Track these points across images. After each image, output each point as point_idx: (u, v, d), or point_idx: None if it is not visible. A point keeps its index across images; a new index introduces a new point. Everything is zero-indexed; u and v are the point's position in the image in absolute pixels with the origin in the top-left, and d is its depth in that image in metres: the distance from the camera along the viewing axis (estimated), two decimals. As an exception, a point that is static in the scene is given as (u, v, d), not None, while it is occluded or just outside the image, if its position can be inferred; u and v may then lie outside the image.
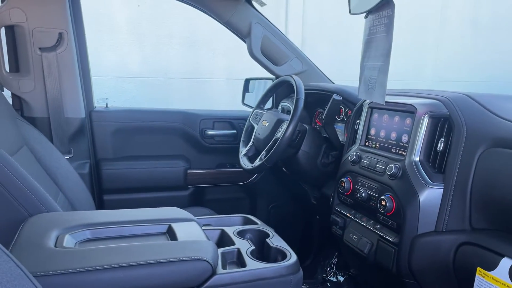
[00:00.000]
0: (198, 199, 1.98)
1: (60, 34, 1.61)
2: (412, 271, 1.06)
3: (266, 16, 1.85)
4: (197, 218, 1.17)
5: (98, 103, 1.88)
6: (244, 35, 1.82)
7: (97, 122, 1.79)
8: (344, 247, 1.35)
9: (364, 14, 1.20)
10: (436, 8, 5.77)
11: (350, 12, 1.28)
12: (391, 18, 1.08)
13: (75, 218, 1.03)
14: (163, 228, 1.05)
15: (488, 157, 0.94)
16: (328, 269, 1.95)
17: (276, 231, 2.11)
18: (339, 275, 1.90)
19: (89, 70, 1.76)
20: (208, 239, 0.99)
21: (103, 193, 1.82)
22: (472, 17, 5.90)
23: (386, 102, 1.20)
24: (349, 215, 1.32)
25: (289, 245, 2.11)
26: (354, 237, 1.26)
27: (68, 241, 0.92)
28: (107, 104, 1.86)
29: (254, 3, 1.79)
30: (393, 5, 1.06)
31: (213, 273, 0.87)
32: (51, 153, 1.46)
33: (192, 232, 1.02)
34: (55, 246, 0.88)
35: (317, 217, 1.93)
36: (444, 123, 1.06)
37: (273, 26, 1.85)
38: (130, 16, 4.64)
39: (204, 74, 5.07)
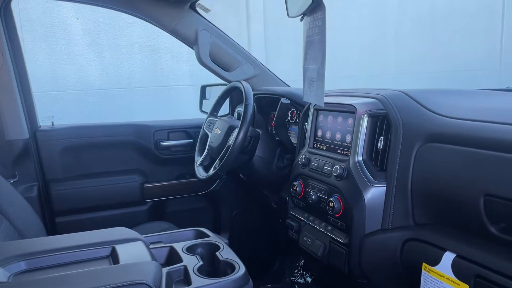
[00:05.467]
0: (157, 213, 1.93)
1: None
2: (363, 271, 1.07)
3: (214, 22, 1.83)
4: (147, 236, 1.13)
5: (43, 121, 1.80)
6: (191, 43, 1.79)
7: (43, 142, 1.71)
8: (302, 251, 1.35)
9: (300, 17, 1.20)
10: (393, 2, 5.91)
11: (288, 15, 1.28)
12: (323, 21, 1.07)
13: (10, 249, 0.97)
14: (106, 251, 1.01)
15: (424, 153, 0.95)
16: (296, 271, 1.94)
17: (242, 238, 2.09)
18: (307, 276, 1.89)
19: (30, 88, 1.68)
20: (154, 259, 0.96)
21: (55, 216, 1.75)
22: (429, 9, 6.06)
23: (328, 103, 1.20)
24: (302, 218, 1.31)
25: (255, 250, 2.09)
26: (309, 241, 1.25)
27: (0, 274, 0.87)
28: (52, 122, 1.79)
29: (198, 9, 1.76)
30: (324, 7, 1.06)
31: (155, 295, 0.84)
32: None
33: (137, 253, 0.98)
34: (-16, 282, 0.83)
35: (280, 220, 1.92)
36: (382, 121, 1.07)
37: (221, 32, 1.83)
38: (87, 27, 4.53)
39: (169, 82, 5.01)
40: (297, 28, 1.23)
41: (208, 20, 1.80)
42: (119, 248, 1.00)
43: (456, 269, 0.86)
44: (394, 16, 5.92)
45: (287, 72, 2.08)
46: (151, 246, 1.06)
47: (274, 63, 1.86)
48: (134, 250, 0.99)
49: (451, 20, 6.10)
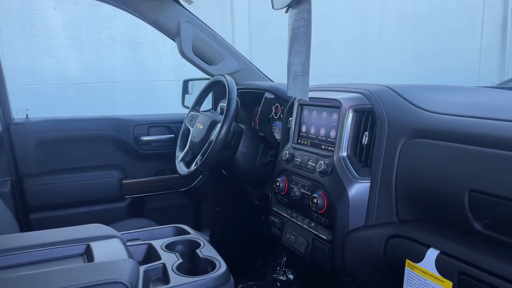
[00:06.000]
0: (137, 210, 1.88)
1: None
2: (346, 267, 1.05)
3: (198, 16, 1.79)
4: (125, 233, 1.09)
5: (18, 114, 1.73)
6: (173, 35, 1.74)
7: (17, 136, 1.64)
8: (284, 248, 1.32)
9: (285, 9, 1.17)
10: (377, 1, 5.95)
11: (273, 7, 1.25)
12: (309, 12, 1.05)
13: (-23, 247, 0.92)
14: (80, 248, 0.96)
15: (409, 149, 0.94)
16: (278, 268, 1.93)
17: (223, 235, 2.06)
18: (289, 273, 1.88)
19: (3, 80, 1.61)
20: (131, 257, 0.92)
21: (29, 212, 1.68)
22: (412, 9, 6.13)
23: (312, 98, 1.18)
24: (285, 215, 1.29)
25: (237, 248, 2.06)
26: (292, 237, 1.23)
27: (-34, 274, 0.82)
28: (27, 115, 1.72)
29: (181, 1, 1.72)
30: (310, -2, 1.03)
31: (131, 295, 0.80)
32: None
33: (113, 250, 0.94)
34: None
35: (262, 217, 1.90)
36: (367, 116, 1.06)
37: (204, 24, 1.79)
38: (67, 20, 4.41)
39: (151, 77, 4.93)
40: (282, 27, 1.20)
41: (191, 12, 1.75)
42: (94, 246, 0.96)
43: (440, 265, 0.85)
44: (377, 16, 5.97)
45: (272, 71, 2.05)
46: (128, 244, 1.02)
47: (258, 62, 1.84)
48: (110, 248, 0.95)
49: (433, 20, 6.19)
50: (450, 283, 0.82)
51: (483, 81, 6.41)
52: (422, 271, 0.89)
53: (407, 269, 0.93)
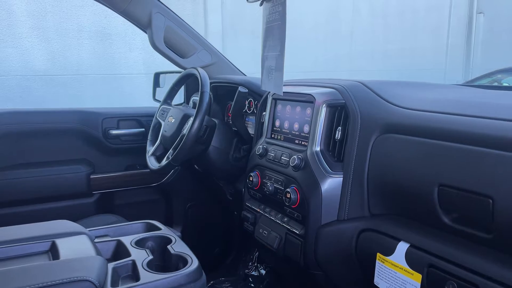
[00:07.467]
0: (105, 205, 1.82)
1: None
2: (318, 262, 1.06)
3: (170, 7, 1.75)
4: (93, 230, 1.05)
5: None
6: (144, 26, 1.69)
7: None
8: (257, 243, 1.32)
9: (260, 2, 1.16)
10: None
11: (247, 0, 1.23)
12: (284, 6, 1.05)
13: None
14: (45, 246, 0.92)
15: (381, 144, 0.95)
16: (250, 263, 1.92)
17: (195, 231, 2.03)
18: (261, 269, 1.88)
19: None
20: (99, 254, 0.89)
21: None
22: (382, 8, 6.25)
23: (286, 92, 1.18)
24: (259, 210, 1.28)
25: (210, 244, 2.03)
26: (264, 232, 1.23)
27: None
28: (-13, 107, 1.63)
29: (153, -9, 1.67)
30: (285, -9, 1.03)
31: (99, 293, 0.78)
32: None
33: (80, 247, 0.91)
34: None
35: (235, 213, 1.88)
36: (341, 111, 1.06)
37: (176, 16, 1.75)
38: (32, 8, 4.23)
39: (121, 70, 4.81)
40: (256, 21, 1.19)
41: (162, 3, 1.71)
42: (60, 242, 0.92)
43: (410, 258, 0.87)
44: (349, 14, 6.05)
45: (245, 65, 2.03)
46: (96, 240, 0.99)
47: (231, 56, 1.82)
48: (77, 244, 0.92)
49: (402, 19, 6.34)
50: (420, 276, 0.84)
51: (449, 80, 6.64)
52: (392, 264, 0.91)
53: (378, 263, 0.94)
